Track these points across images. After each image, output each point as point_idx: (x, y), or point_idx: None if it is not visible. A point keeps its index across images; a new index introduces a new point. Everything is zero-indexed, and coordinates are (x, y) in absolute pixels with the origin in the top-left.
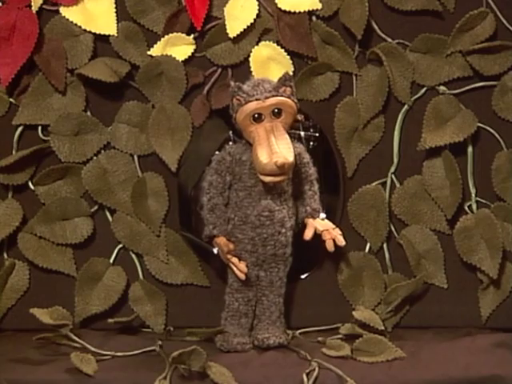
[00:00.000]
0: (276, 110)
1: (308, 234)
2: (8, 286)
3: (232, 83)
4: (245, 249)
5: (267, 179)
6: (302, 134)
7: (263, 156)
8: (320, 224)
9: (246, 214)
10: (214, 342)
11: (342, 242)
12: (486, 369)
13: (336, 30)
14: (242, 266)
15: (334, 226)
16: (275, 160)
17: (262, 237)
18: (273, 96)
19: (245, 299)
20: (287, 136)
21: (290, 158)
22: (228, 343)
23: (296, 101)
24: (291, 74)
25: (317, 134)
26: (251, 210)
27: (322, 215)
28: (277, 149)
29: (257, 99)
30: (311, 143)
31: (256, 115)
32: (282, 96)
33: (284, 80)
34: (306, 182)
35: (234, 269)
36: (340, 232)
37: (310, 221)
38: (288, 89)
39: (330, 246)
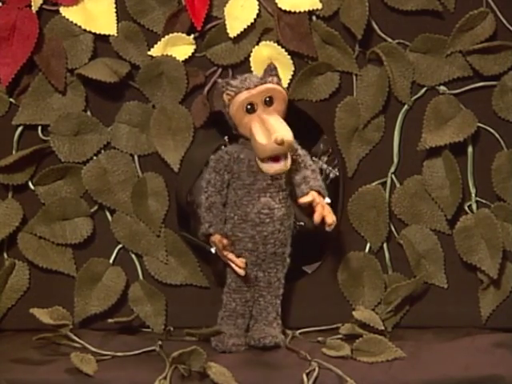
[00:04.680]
0: (267, 99)
1: (303, 200)
2: (8, 286)
3: (219, 80)
4: (245, 247)
5: (271, 170)
6: (325, 166)
7: (262, 138)
8: (320, 199)
9: (246, 212)
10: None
11: (330, 220)
12: (486, 369)
13: (336, 29)
14: (240, 261)
15: (331, 211)
16: (275, 137)
17: (262, 235)
18: (261, 84)
19: (242, 300)
20: (282, 119)
21: (289, 136)
22: (223, 344)
23: (285, 88)
24: (291, 78)
25: (337, 173)
26: (251, 208)
27: (327, 200)
28: (274, 129)
29: (247, 88)
30: (330, 175)
31: (249, 106)
32: (270, 83)
33: (269, 70)
34: (306, 169)
35: (233, 265)
36: (334, 219)
37: (312, 192)
38: (275, 78)
39: (317, 218)
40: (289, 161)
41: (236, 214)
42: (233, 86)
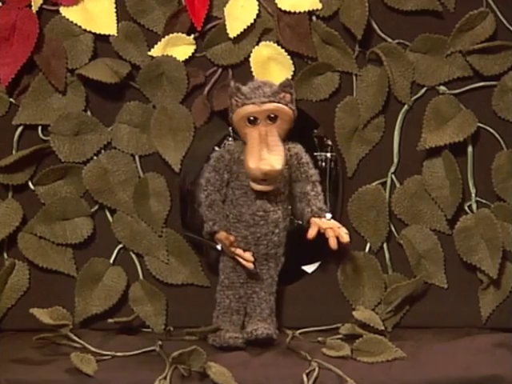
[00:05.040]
0: (272, 116)
1: (311, 233)
2: (8, 286)
3: (232, 83)
4: (237, 246)
5: (256, 187)
6: (329, 155)
7: (251, 161)
8: (324, 223)
9: (241, 212)
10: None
11: (345, 238)
12: (486, 369)
13: (336, 30)
14: (248, 255)
15: (339, 225)
16: (262, 167)
17: (255, 236)
18: (270, 102)
19: (236, 296)
20: (280, 143)
21: (277, 167)
22: (220, 338)
23: (294, 108)
24: (291, 78)
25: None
26: (246, 209)
27: (328, 215)
28: (265, 156)
29: (253, 103)
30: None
31: (251, 118)
32: (279, 102)
33: (284, 86)
34: (307, 182)
35: (241, 260)
36: (346, 231)
37: (314, 220)
38: (287, 95)
39: (333, 244)
40: (277, 181)
41: (231, 212)
42: (242, 93)
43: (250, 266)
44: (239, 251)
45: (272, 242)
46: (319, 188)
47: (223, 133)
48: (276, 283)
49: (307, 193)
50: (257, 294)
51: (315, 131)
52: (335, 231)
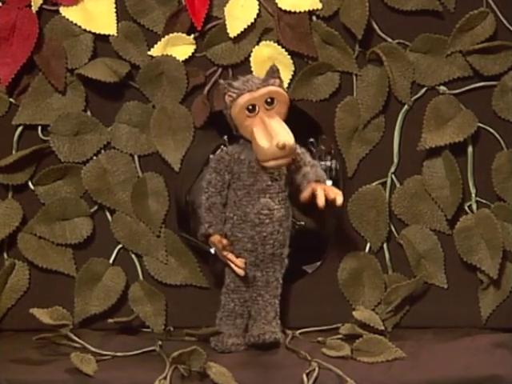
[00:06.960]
0: (269, 100)
1: (304, 195)
2: (8, 286)
3: (221, 81)
4: (244, 248)
5: (271, 164)
6: (329, 163)
7: (263, 142)
8: (319, 185)
9: (246, 212)
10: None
11: (333, 196)
12: (486, 369)
13: (336, 30)
14: (240, 261)
15: (332, 188)
16: (276, 142)
17: (261, 235)
18: (264, 86)
19: (241, 300)
20: (283, 123)
21: (291, 140)
22: (222, 344)
23: (286, 91)
24: (291, 78)
25: None
26: (250, 209)
27: (328, 182)
28: (274, 133)
29: (249, 91)
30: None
31: (250, 107)
32: (272, 85)
33: (272, 72)
34: (305, 166)
35: (232, 265)
36: (338, 191)
37: (309, 184)
38: (277, 80)
39: (320, 202)
40: (291, 156)
41: (235, 214)
42: (235, 87)
43: (241, 272)
44: (231, 256)
45: (278, 241)
46: (318, 168)
47: (218, 142)
48: (281, 286)
49: (307, 173)
50: (262, 297)
51: (323, 136)
52: (325, 190)
